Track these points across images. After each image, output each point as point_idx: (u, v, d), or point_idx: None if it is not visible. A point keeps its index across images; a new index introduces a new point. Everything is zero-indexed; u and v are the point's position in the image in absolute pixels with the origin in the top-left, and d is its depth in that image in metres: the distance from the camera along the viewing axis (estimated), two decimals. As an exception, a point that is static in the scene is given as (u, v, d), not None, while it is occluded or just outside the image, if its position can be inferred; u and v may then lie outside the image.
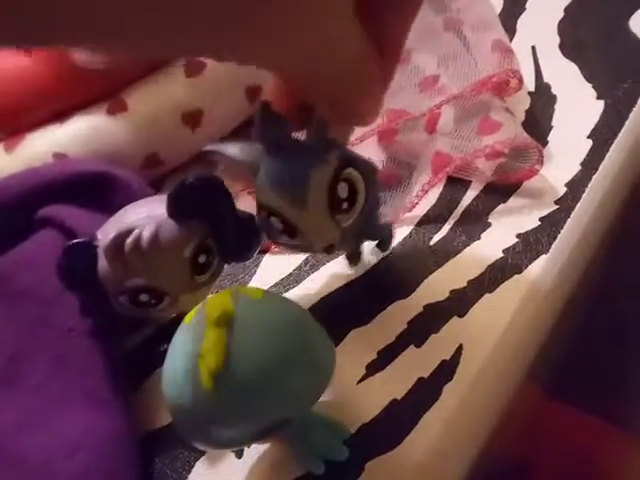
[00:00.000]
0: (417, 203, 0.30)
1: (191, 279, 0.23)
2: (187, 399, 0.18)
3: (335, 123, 0.21)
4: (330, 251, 0.26)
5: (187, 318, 0.19)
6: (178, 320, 0.20)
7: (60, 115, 0.36)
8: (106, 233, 0.22)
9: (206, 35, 0.15)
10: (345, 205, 0.22)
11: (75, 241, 0.22)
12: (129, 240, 0.21)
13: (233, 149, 0.23)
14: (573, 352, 0.30)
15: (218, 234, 0.23)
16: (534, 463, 0.34)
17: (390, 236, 0.28)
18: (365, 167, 0.22)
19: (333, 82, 0.19)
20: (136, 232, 0.21)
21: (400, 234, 0.29)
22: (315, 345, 0.19)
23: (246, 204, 0.32)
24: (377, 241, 0.28)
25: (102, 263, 0.22)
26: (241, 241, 0.25)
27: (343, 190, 0.21)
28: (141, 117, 0.35)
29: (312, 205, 0.21)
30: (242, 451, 0.23)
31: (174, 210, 0.22)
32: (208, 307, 0.18)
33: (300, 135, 0.23)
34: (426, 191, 0.29)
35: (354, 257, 0.28)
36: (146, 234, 0.21)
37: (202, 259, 0.23)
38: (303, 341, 0.18)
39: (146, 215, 0.22)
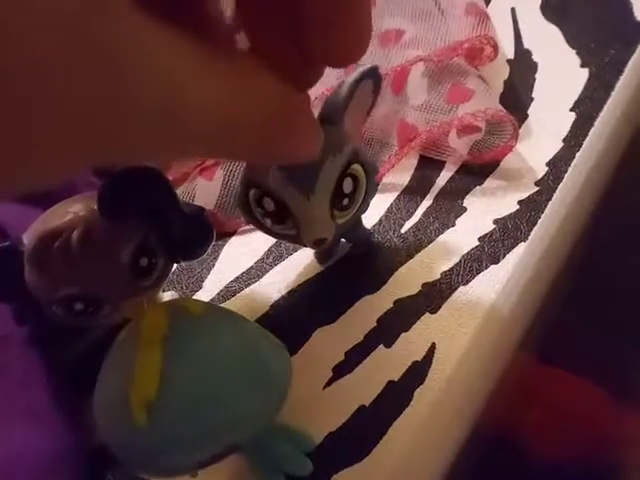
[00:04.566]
0: (383, 174, 0.27)
1: (132, 284, 0.21)
2: (120, 431, 0.16)
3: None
4: (319, 245, 0.24)
5: (121, 334, 0.17)
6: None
7: None
8: (31, 237, 0.19)
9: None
10: (346, 201, 0.21)
11: (-3, 246, 0.20)
12: (55, 245, 0.19)
13: None
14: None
15: (161, 232, 0.21)
16: (528, 432, 0.33)
17: (369, 239, 0.26)
18: (370, 166, 0.21)
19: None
20: (64, 236, 0.19)
21: (370, 221, 0.27)
22: (264, 362, 0.17)
23: (203, 190, 0.30)
24: (352, 242, 0.26)
25: (28, 270, 0.20)
26: (190, 238, 0.22)
27: (348, 185, 0.20)
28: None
29: (318, 194, 0.20)
30: (196, 472, 0.22)
31: (106, 209, 0.19)
32: (141, 324, 0.16)
33: None
34: (393, 164, 0.27)
35: (326, 256, 0.26)
36: (74, 238, 0.19)
37: (144, 262, 0.20)
38: (249, 361, 0.16)
39: (76, 215, 0.19)
